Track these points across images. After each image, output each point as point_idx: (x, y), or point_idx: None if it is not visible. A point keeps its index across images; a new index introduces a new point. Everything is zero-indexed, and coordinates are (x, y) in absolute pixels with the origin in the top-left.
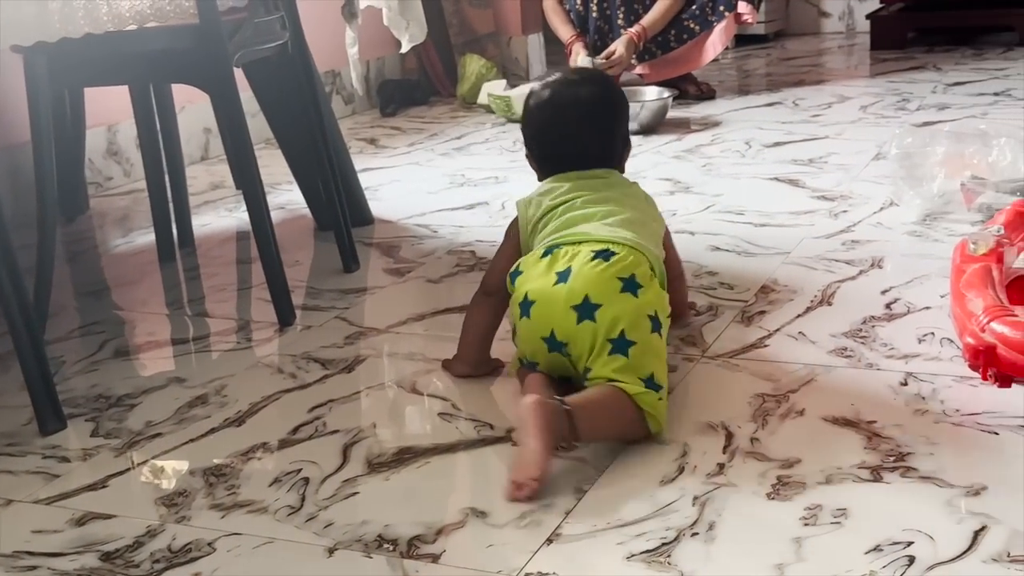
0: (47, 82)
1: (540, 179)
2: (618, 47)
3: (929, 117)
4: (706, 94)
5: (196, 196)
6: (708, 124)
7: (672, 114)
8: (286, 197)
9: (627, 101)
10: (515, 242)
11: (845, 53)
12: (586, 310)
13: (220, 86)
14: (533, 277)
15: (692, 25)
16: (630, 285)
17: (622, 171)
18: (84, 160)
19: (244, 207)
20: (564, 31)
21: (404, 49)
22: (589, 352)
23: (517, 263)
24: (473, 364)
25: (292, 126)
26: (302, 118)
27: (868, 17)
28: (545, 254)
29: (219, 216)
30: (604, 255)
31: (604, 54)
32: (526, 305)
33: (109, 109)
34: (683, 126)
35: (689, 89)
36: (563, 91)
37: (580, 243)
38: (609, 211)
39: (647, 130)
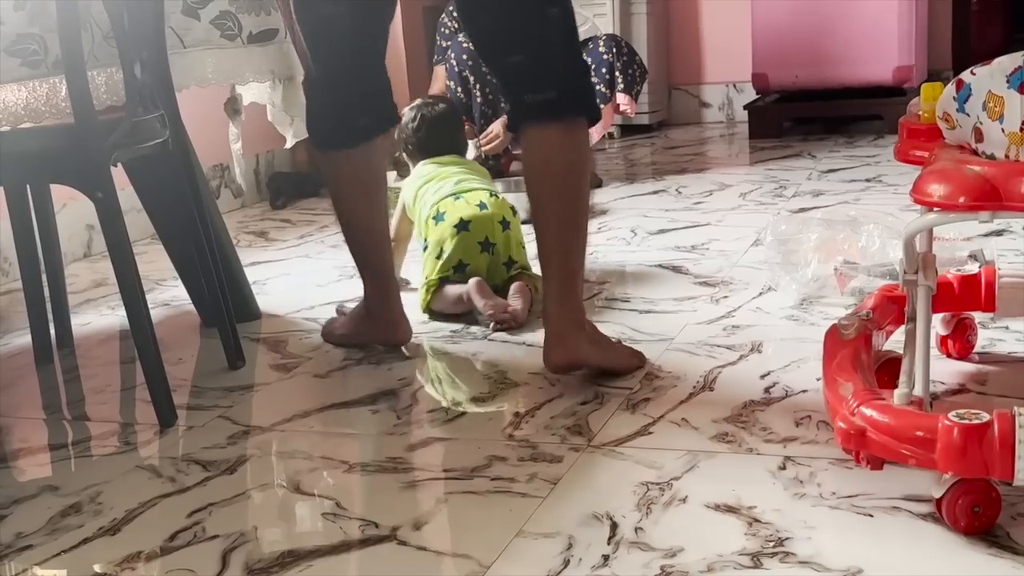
0: None
1: (413, 165)
2: (495, 127)
3: (805, 203)
4: (592, 183)
5: (77, 294)
6: (595, 212)
7: None
8: (171, 293)
9: (462, 117)
10: (403, 209)
11: (726, 142)
12: (505, 225)
13: (97, 186)
14: (461, 208)
15: None
16: (513, 212)
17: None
18: None
19: None
20: None
21: (289, 144)
22: (508, 249)
23: (436, 208)
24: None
25: (174, 223)
26: (184, 215)
27: (746, 108)
28: (456, 199)
29: (101, 315)
30: (493, 194)
31: (484, 135)
32: (463, 224)
33: None
34: None
35: None
36: (432, 108)
37: (471, 190)
38: (466, 175)
39: None
